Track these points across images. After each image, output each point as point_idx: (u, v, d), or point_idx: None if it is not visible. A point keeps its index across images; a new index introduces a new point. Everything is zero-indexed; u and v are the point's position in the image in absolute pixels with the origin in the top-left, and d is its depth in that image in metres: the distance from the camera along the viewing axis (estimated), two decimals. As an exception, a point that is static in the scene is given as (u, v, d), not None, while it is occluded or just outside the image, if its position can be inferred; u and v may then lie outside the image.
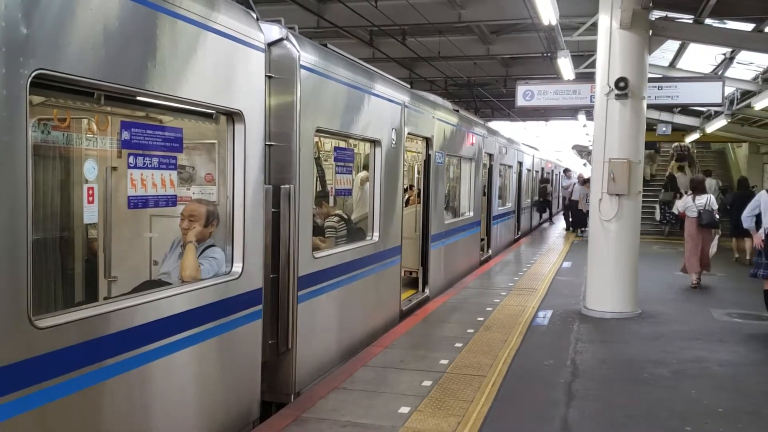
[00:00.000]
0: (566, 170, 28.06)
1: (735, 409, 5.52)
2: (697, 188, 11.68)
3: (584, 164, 37.77)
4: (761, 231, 8.32)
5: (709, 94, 12.10)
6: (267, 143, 5.25)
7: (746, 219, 8.70)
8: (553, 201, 29.08)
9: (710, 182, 16.74)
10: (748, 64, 14.34)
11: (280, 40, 5.43)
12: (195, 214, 4.81)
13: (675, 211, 13.20)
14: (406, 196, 10.32)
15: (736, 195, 15.46)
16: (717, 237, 11.84)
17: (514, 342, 7.41)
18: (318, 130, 6.02)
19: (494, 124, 23.52)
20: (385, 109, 7.70)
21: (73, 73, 3.26)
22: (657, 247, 15.67)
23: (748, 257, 8.87)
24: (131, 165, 4.04)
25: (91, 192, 4.07)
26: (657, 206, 20.28)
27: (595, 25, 9.76)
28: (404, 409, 5.28)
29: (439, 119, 10.16)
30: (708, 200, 11.39)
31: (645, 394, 5.84)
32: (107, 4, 3.47)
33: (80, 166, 4.52)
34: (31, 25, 2.99)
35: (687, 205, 11.59)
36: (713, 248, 11.64)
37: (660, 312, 9.23)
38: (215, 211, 4.93)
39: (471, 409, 5.31)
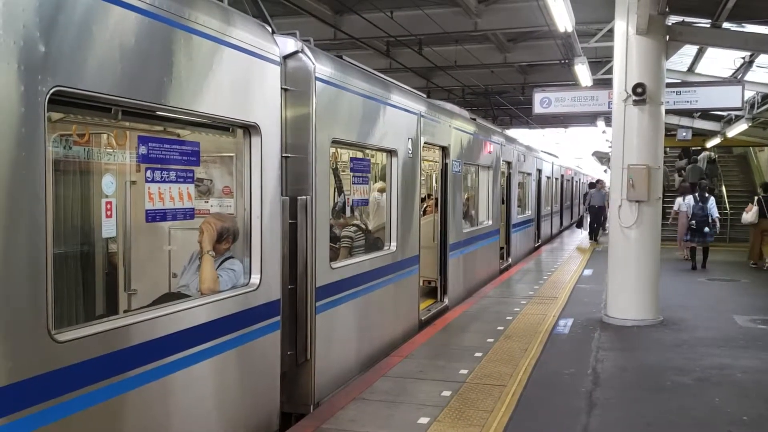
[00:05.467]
0: (599, 181, 23.25)
1: (759, 417, 5.44)
2: (685, 192, 15.56)
3: (605, 170, 37.59)
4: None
5: (729, 98, 12.03)
6: (283, 155, 5.29)
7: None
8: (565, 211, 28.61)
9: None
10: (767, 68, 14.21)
11: (296, 52, 5.47)
12: (207, 225, 4.84)
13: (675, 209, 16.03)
14: (424, 206, 10.32)
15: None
16: None
17: (535, 351, 7.36)
18: (334, 141, 6.05)
19: (513, 132, 23.48)
20: (401, 119, 7.72)
21: (90, 89, 3.31)
22: (678, 253, 15.51)
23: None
24: (149, 179, 4.08)
25: (109, 206, 4.12)
26: (675, 174, 21.94)
27: (611, 32, 9.73)
28: (424, 420, 5.26)
29: (455, 128, 10.16)
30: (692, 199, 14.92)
31: (667, 402, 5.78)
32: (124, 22, 3.52)
33: (100, 181, 4.58)
34: (49, 43, 3.05)
35: (678, 203, 15.43)
36: None
37: (682, 319, 9.13)
38: (231, 227, 4.94)
39: (491, 419, 5.28)
